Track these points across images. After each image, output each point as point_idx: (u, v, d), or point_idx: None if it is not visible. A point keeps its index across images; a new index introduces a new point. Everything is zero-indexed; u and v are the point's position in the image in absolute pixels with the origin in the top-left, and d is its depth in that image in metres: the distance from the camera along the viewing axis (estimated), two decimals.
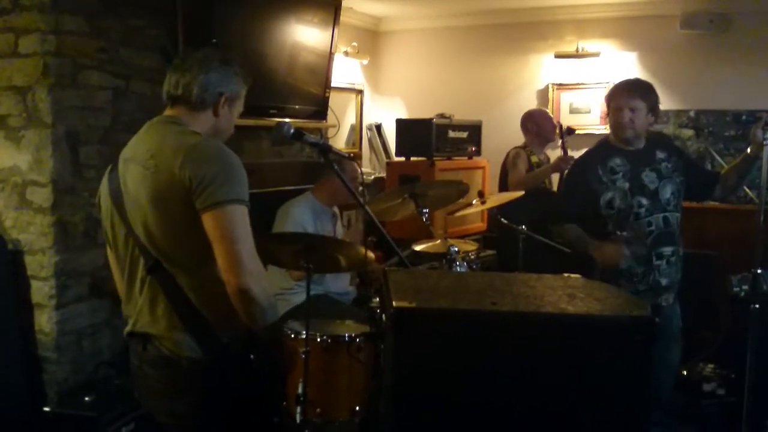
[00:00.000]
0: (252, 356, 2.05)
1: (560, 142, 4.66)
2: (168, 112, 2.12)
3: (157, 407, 2.06)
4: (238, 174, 1.93)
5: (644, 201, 3.22)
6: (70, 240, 3.46)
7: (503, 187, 4.80)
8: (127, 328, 2.11)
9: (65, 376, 3.47)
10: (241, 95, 2.17)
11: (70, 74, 3.43)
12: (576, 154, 4.87)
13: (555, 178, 4.87)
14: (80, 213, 3.49)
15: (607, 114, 3.39)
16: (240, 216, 1.89)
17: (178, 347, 1.98)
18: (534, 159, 4.86)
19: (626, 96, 3.23)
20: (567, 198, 3.46)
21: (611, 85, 5.69)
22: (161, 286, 1.98)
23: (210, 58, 2.10)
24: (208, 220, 1.87)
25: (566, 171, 3.49)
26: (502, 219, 4.11)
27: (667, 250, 3.27)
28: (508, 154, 4.94)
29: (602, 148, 3.40)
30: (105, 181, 2.13)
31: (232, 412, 2.03)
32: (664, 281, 3.28)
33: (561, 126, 4.78)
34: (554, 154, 5.18)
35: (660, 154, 3.30)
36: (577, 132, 5.73)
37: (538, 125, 4.94)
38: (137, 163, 2.00)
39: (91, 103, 3.54)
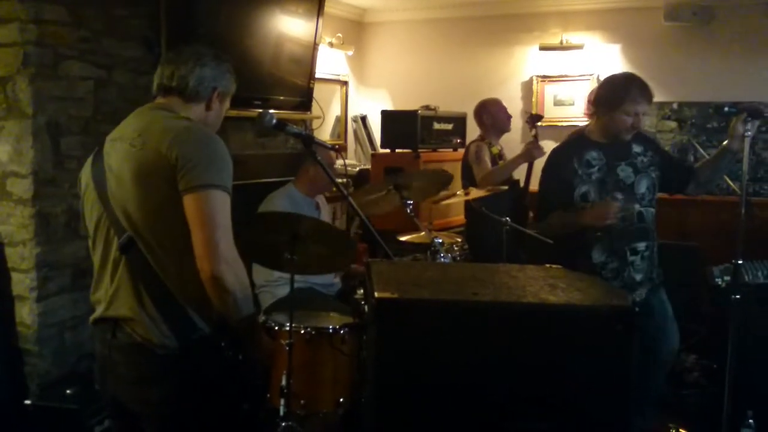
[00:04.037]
0: (222, 344, 2.05)
1: (532, 131, 4.66)
2: (159, 101, 2.14)
3: (129, 396, 2.04)
4: (225, 162, 1.96)
5: (619, 195, 3.17)
6: (52, 231, 3.43)
7: (469, 182, 4.71)
8: (95, 314, 2.09)
9: (47, 369, 3.44)
10: (231, 92, 2.22)
11: (50, 64, 3.39)
12: (547, 144, 4.92)
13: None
14: (61, 204, 3.46)
15: (602, 109, 3.20)
16: (221, 202, 1.90)
17: (150, 334, 1.96)
18: (494, 150, 4.83)
19: (645, 103, 3.14)
20: (546, 193, 3.32)
21: (596, 78, 5.81)
22: (135, 268, 1.97)
23: (204, 53, 2.15)
24: (189, 203, 1.88)
25: (543, 166, 3.42)
26: (485, 209, 4.11)
27: (641, 245, 3.22)
28: (468, 149, 4.89)
29: (578, 140, 3.32)
30: (88, 163, 2.13)
31: (206, 401, 2.02)
32: (638, 277, 3.23)
33: (530, 114, 4.77)
34: (507, 144, 5.20)
35: (636, 148, 3.25)
36: (560, 124, 5.80)
37: (493, 116, 4.89)
38: (123, 141, 2.01)
39: (73, 93, 3.50)
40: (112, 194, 2.00)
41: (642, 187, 3.21)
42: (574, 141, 3.35)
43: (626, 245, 3.19)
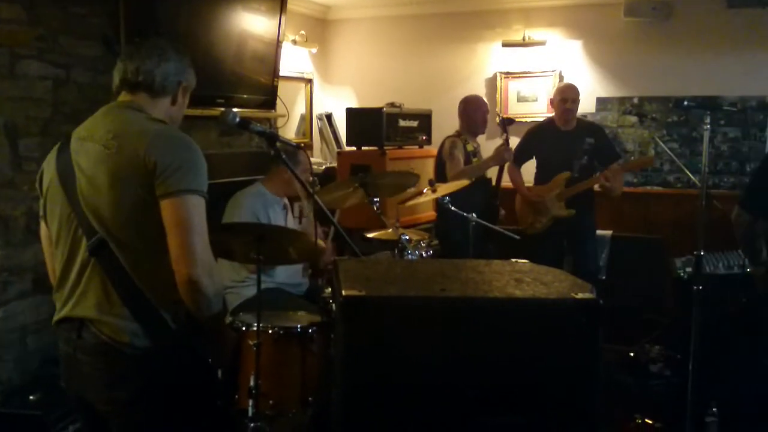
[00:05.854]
0: (194, 343, 2.05)
1: (503, 134, 4.71)
2: (125, 98, 2.11)
3: (96, 395, 2.02)
4: (201, 166, 1.97)
5: None
6: (11, 235, 3.37)
7: (440, 177, 4.73)
8: (60, 314, 2.06)
9: (9, 375, 3.39)
10: (192, 86, 2.22)
11: (7, 64, 3.32)
12: (513, 142, 4.97)
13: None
14: (21, 207, 3.39)
15: None
16: (198, 207, 1.93)
17: (117, 333, 1.94)
18: (469, 147, 4.86)
19: None
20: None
21: (558, 74, 5.88)
22: (105, 268, 1.95)
23: (165, 47, 2.14)
24: (166, 208, 1.89)
25: None
26: (452, 207, 4.12)
27: None
28: (443, 144, 4.92)
29: None
30: (52, 158, 2.09)
31: (178, 399, 2.00)
32: None
33: (502, 118, 4.81)
34: (484, 141, 5.24)
35: None
36: (524, 120, 5.84)
37: (469, 116, 4.90)
38: (96, 143, 1.98)
39: (31, 93, 3.44)
40: (82, 195, 1.97)
41: None
42: None
43: None
